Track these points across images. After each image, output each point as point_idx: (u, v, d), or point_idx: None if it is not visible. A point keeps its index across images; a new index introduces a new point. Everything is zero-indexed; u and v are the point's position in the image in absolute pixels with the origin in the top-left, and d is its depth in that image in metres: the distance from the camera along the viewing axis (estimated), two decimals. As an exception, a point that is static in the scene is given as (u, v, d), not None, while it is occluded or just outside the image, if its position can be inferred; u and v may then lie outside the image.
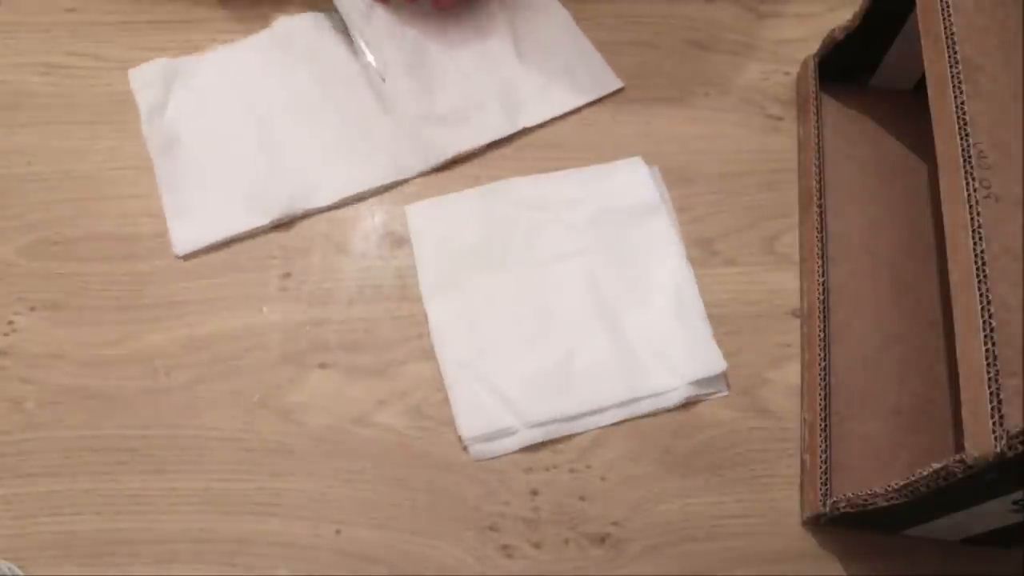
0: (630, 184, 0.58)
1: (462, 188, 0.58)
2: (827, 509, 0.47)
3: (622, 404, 0.51)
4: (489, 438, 0.50)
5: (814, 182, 0.57)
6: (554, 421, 0.51)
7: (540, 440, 0.51)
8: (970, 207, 0.39)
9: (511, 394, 0.51)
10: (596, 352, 0.52)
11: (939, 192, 0.42)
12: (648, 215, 0.57)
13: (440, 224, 0.57)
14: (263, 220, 0.56)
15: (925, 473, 0.39)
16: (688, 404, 0.52)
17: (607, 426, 0.51)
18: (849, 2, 0.59)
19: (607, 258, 0.56)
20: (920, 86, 0.58)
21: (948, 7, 0.44)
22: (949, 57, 0.43)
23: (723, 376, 0.53)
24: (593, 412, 0.51)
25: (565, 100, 0.61)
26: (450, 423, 0.51)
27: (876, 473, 0.49)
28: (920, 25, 0.47)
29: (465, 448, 0.50)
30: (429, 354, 0.53)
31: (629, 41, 0.64)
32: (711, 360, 0.52)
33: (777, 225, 0.58)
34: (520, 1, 0.64)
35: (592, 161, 0.59)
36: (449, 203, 0.57)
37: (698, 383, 0.52)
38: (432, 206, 0.57)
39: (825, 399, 0.51)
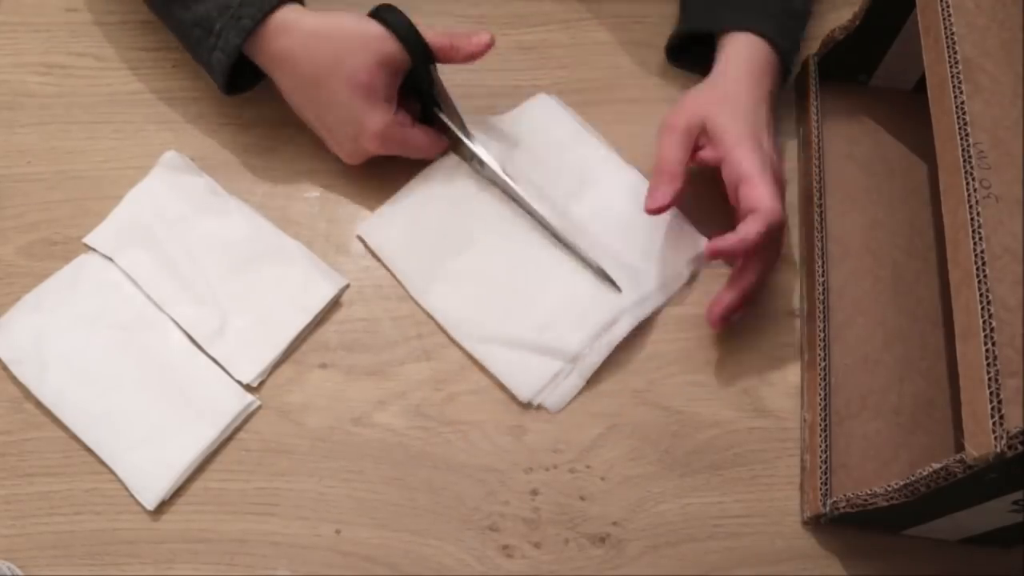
0: (548, 119, 0.59)
1: (401, 180, 0.57)
2: (827, 509, 0.47)
3: (635, 304, 0.53)
4: (551, 389, 0.51)
5: (814, 182, 0.57)
6: (592, 343, 0.52)
7: (598, 365, 0.52)
8: (970, 207, 0.39)
9: (541, 342, 0.52)
10: (587, 276, 0.54)
11: (939, 192, 0.42)
12: (577, 142, 0.59)
13: (397, 231, 0.56)
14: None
15: (925, 473, 0.39)
16: (688, 404, 0.52)
17: (639, 326, 0.51)
18: (849, 2, 0.59)
19: (561, 190, 0.57)
20: (920, 86, 0.58)
21: (948, 7, 0.44)
22: (949, 57, 0.43)
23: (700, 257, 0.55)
24: (612, 323, 0.53)
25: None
26: (450, 423, 0.51)
27: (876, 473, 0.49)
28: (920, 25, 0.47)
29: (538, 407, 0.51)
30: (429, 354, 0.53)
31: (629, 41, 0.64)
32: (694, 242, 0.56)
33: (777, 225, 0.58)
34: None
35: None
36: (397, 210, 0.56)
37: (693, 259, 0.55)
38: (382, 220, 0.56)
39: (825, 399, 0.51)
